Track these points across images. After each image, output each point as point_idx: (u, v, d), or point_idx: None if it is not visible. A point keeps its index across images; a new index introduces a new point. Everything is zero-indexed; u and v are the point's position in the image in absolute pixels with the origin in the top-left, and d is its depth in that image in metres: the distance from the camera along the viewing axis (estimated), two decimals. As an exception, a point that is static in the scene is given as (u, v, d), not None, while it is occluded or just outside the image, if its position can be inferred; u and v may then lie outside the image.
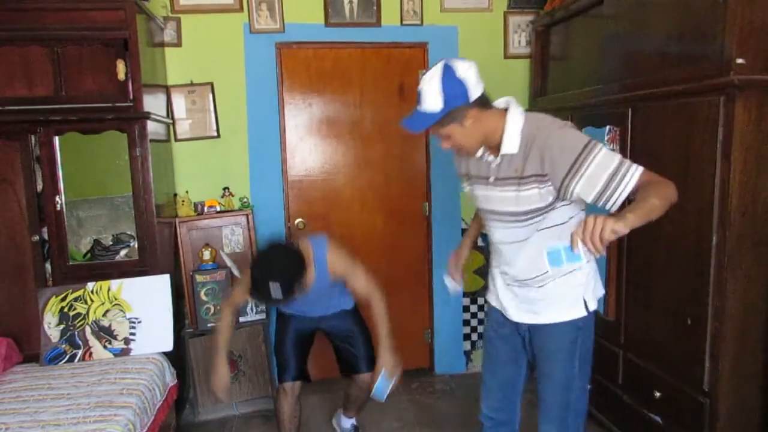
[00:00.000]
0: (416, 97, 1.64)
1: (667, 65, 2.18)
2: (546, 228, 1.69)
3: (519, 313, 1.83)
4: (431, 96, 1.59)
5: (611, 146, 2.54)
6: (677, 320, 2.14)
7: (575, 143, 1.55)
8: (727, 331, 1.97)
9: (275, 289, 2.06)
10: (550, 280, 1.74)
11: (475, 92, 1.61)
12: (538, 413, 1.86)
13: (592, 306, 1.76)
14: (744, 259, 1.95)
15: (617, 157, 1.54)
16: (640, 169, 1.51)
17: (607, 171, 1.51)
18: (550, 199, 1.63)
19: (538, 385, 1.85)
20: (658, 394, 2.25)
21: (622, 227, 1.34)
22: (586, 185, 1.54)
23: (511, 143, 1.66)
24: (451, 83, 1.58)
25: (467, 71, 1.60)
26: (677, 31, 2.14)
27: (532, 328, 1.83)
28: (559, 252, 1.70)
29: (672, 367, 2.19)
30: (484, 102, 1.66)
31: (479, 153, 1.76)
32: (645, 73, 2.30)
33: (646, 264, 2.33)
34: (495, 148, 1.70)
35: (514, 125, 1.65)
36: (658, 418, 2.26)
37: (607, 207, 1.56)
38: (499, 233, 1.78)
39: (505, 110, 1.69)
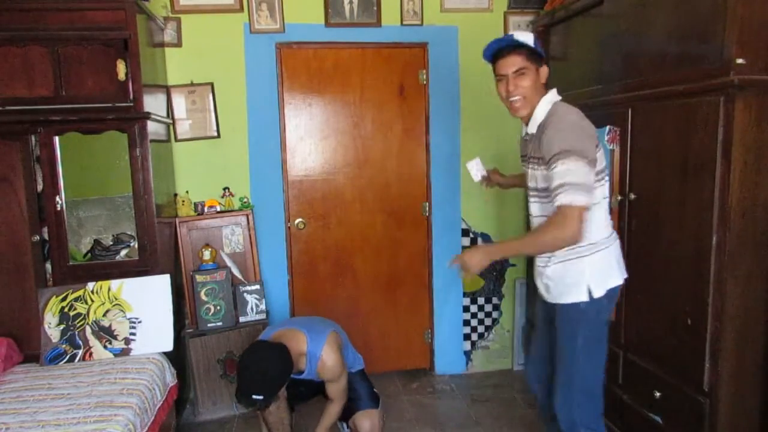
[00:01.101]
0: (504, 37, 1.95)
1: (667, 65, 2.18)
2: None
3: (541, 290, 2.04)
4: (525, 36, 1.89)
5: (611, 146, 2.54)
6: (677, 320, 2.14)
7: (559, 144, 1.76)
8: (727, 331, 1.97)
9: (258, 398, 2.19)
10: (552, 262, 1.94)
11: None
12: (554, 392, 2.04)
13: (598, 293, 1.87)
14: (744, 259, 1.95)
15: (567, 177, 1.71)
16: (568, 201, 1.70)
17: (555, 182, 1.75)
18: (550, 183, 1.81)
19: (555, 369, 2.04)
20: (658, 394, 2.25)
21: (493, 257, 1.85)
22: (549, 179, 1.79)
23: (534, 123, 1.93)
24: (538, 44, 1.92)
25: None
26: (677, 31, 2.13)
27: (551, 306, 2.02)
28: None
29: (672, 367, 2.19)
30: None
31: (523, 132, 2.05)
32: (645, 73, 2.30)
33: (646, 264, 2.33)
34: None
35: (542, 109, 1.91)
36: (658, 418, 2.26)
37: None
38: (529, 206, 2.05)
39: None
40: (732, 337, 1.98)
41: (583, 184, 1.70)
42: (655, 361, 2.29)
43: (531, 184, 1.99)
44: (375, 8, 3.27)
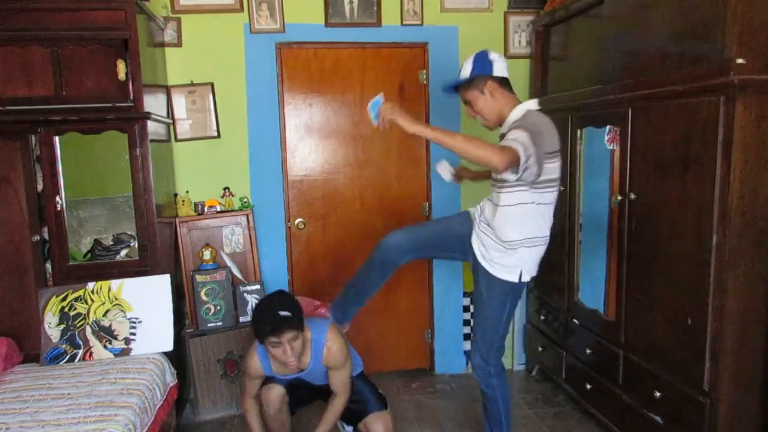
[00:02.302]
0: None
1: (668, 65, 2.18)
2: (508, 204, 2.14)
3: (476, 246, 2.32)
4: (465, 66, 2.17)
5: (611, 146, 2.54)
6: (677, 320, 2.14)
7: (521, 126, 2.00)
8: (727, 331, 1.97)
9: (286, 314, 2.15)
10: (504, 246, 2.20)
11: (498, 71, 2.15)
12: (471, 345, 2.47)
13: (526, 278, 2.25)
14: (744, 259, 1.95)
15: (518, 139, 1.92)
16: (511, 145, 1.92)
17: (515, 141, 1.93)
18: (513, 178, 2.01)
19: (474, 324, 2.44)
20: (658, 394, 2.25)
21: (404, 123, 1.97)
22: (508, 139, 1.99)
23: (506, 124, 2.15)
24: (482, 60, 2.15)
25: (497, 57, 2.16)
26: (677, 31, 2.13)
27: (480, 265, 2.30)
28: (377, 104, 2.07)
29: (672, 367, 2.19)
30: (505, 83, 2.18)
31: (500, 131, 2.22)
32: (645, 73, 2.30)
33: (646, 264, 2.33)
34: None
35: (516, 113, 2.13)
36: (658, 418, 2.26)
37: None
38: (496, 197, 2.25)
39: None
40: (732, 337, 1.98)
41: (528, 146, 1.91)
42: (655, 361, 2.29)
43: (496, 175, 2.15)
44: (375, 8, 3.27)
